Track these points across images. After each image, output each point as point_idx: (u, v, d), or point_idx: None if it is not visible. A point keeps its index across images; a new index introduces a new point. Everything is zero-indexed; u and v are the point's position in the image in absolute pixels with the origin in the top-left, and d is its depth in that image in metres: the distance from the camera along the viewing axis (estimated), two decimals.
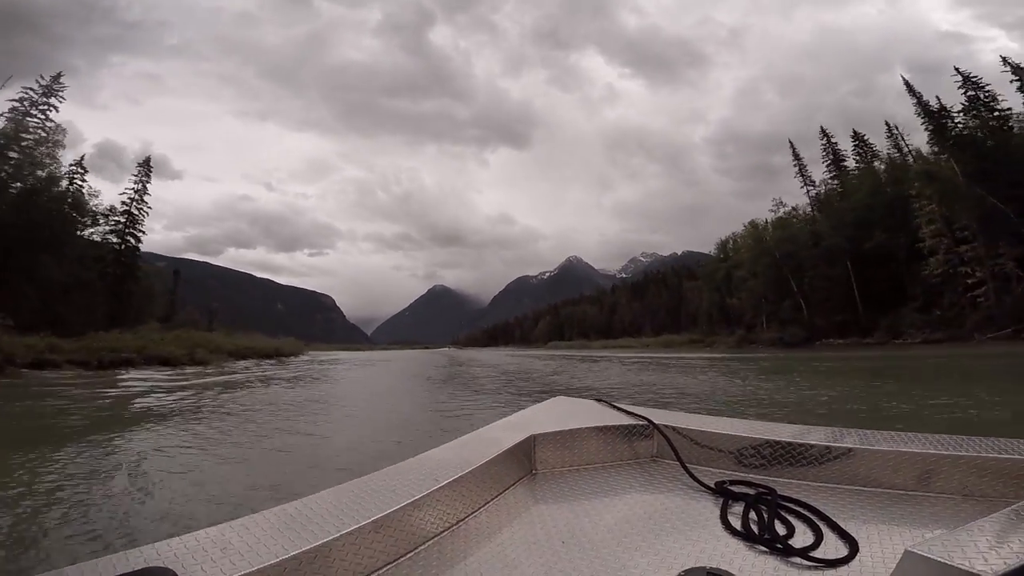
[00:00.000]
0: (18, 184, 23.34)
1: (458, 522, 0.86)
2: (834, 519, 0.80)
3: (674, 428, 1.13)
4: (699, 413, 1.31)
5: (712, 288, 59.66)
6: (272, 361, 30.17)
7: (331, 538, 0.66)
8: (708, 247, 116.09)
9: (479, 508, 0.91)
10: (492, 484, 0.96)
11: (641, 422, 1.17)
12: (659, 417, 1.19)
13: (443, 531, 0.83)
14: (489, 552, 0.79)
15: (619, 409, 1.30)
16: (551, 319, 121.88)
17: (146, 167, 33.99)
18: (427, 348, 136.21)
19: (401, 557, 0.75)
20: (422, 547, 0.79)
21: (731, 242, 58.32)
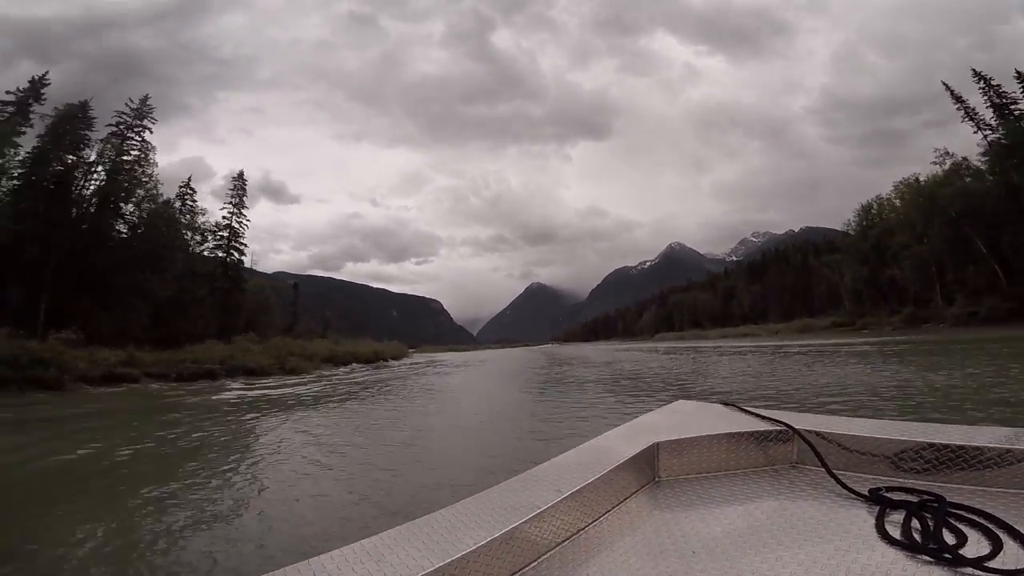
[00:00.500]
0: (122, 203, 24.77)
1: (579, 531, 0.84)
2: (1016, 527, 0.70)
3: (817, 432, 1.02)
4: (847, 416, 1.15)
5: (857, 261, 49.69)
6: (370, 367, 29.48)
7: (469, 551, 0.67)
8: (829, 221, 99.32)
9: (600, 516, 0.89)
10: (614, 492, 0.93)
11: (778, 427, 1.06)
12: (799, 421, 1.09)
13: (564, 540, 0.82)
14: (611, 560, 0.77)
15: (751, 413, 1.18)
16: (658, 309, 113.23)
17: (240, 181, 35.38)
18: (527, 346, 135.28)
19: (526, 567, 0.75)
20: (544, 556, 0.78)
21: (874, 207, 48.70)
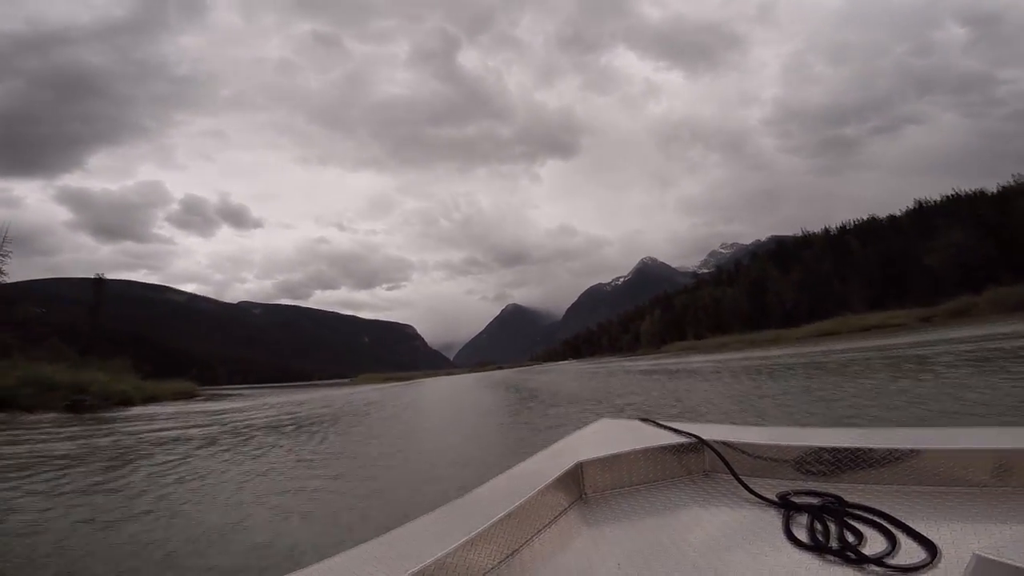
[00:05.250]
0: None
1: (512, 553, 0.85)
2: (907, 523, 0.76)
3: (725, 443, 1.08)
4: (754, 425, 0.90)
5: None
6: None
7: None
8: (793, 229, 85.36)
9: (532, 536, 0.90)
10: (544, 512, 0.95)
11: (690, 439, 1.13)
12: (709, 432, 1.15)
13: (499, 562, 0.82)
14: None
15: (667, 428, 1.24)
16: (663, 313, 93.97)
17: None
18: (501, 368, 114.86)
19: None
20: None
21: None
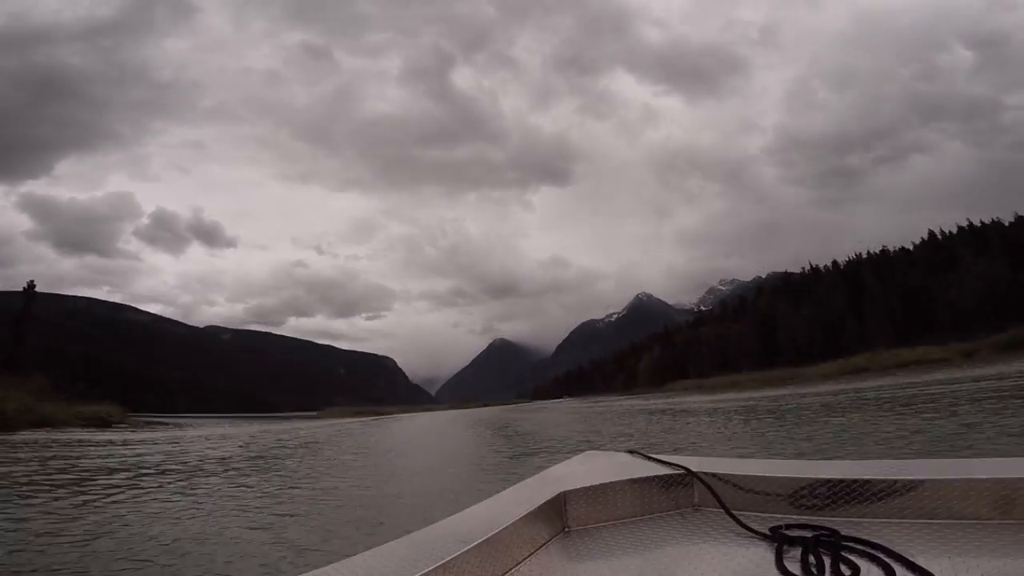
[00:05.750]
0: None
1: None
2: (906, 556, 0.72)
3: (715, 475, 1.05)
4: (745, 458, 1.24)
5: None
6: None
7: None
8: (793, 265, 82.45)
9: (510, 569, 0.86)
10: (523, 544, 0.91)
11: (679, 471, 1.09)
12: (699, 464, 1.11)
13: None
14: None
15: (654, 460, 1.21)
16: (662, 351, 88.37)
17: None
18: (487, 405, 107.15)
19: None
20: None
21: None
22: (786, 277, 78.03)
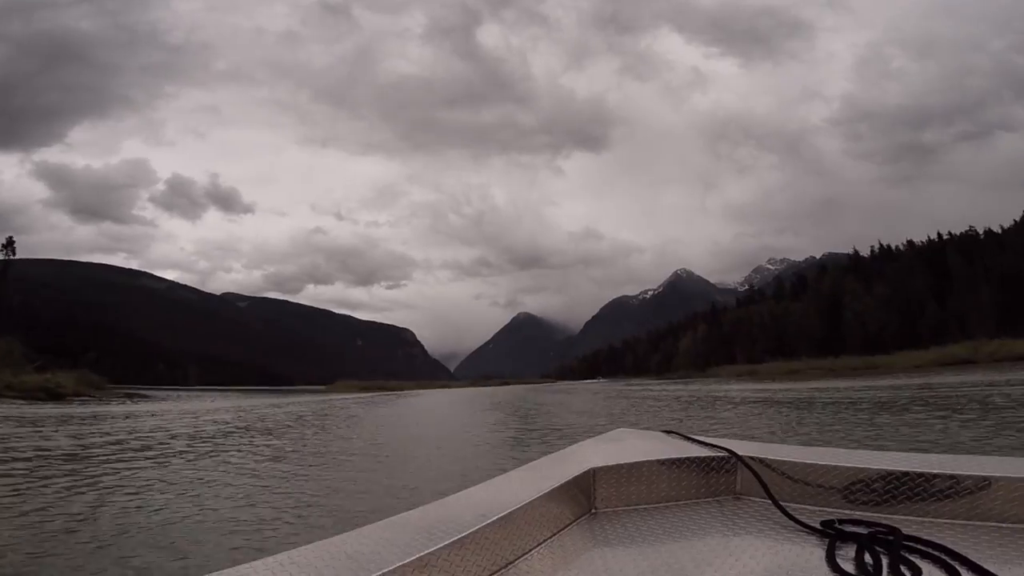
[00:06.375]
0: None
1: (507, 564, 0.76)
2: (973, 560, 0.67)
3: (763, 460, 0.97)
4: (794, 444, 1.08)
5: None
6: None
7: None
8: (850, 247, 72.07)
9: (531, 549, 0.81)
10: (546, 523, 0.85)
11: (721, 454, 1.01)
12: (744, 448, 1.03)
13: (490, 574, 0.73)
14: None
15: (694, 440, 1.14)
16: (708, 331, 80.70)
17: None
18: (507, 383, 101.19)
19: None
20: None
21: None
22: (854, 257, 68.72)
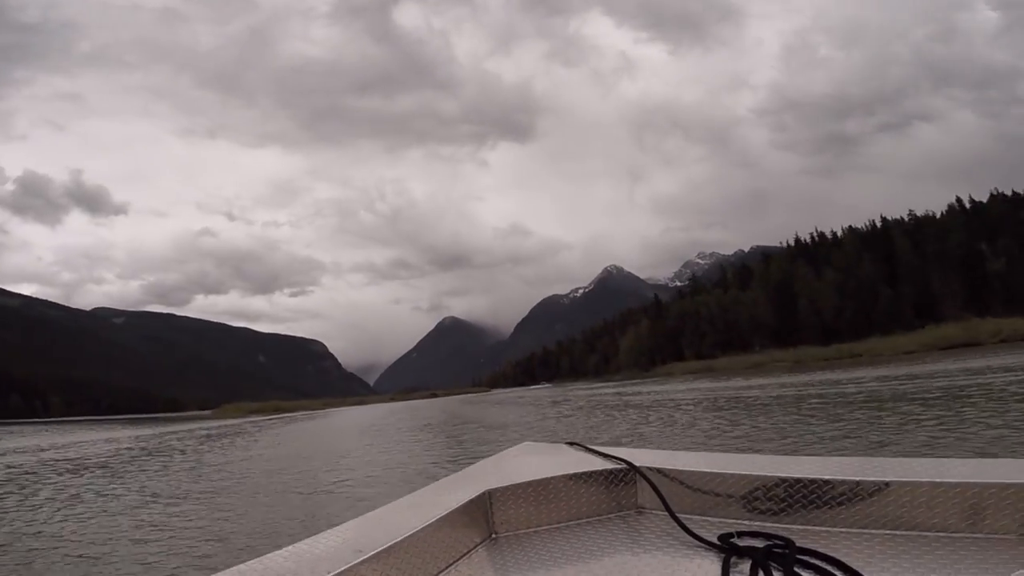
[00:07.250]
0: None
1: None
2: (864, 573, 0.66)
3: (661, 471, 0.95)
4: (696, 450, 1.13)
5: None
6: None
7: None
8: (780, 239, 72.71)
9: None
10: (437, 554, 0.79)
11: (622, 466, 0.98)
12: (643, 458, 1.00)
13: None
14: None
15: (596, 452, 1.10)
16: (652, 326, 74.57)
17: None
18: (435, 395, 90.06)
19: None
20: None
21: None
22: (798, 244, 65.61)
